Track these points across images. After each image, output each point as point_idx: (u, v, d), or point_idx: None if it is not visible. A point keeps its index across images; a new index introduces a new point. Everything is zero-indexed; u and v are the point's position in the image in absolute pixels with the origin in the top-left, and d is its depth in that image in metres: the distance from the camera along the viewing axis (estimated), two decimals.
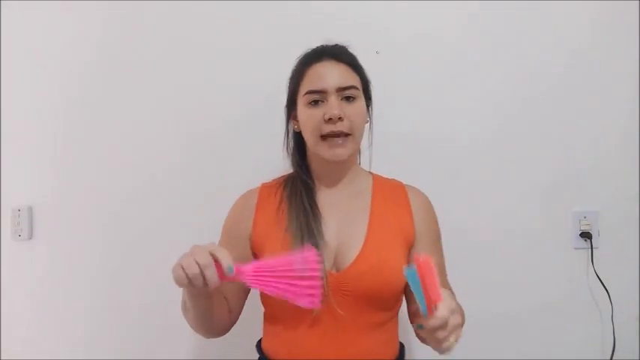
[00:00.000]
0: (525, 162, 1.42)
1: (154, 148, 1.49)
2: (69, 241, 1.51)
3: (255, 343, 1.10)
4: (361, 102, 1.05)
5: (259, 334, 1.10)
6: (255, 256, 1.05)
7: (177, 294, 1.50)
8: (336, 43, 1.08)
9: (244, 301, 1.10)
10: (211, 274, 0.83)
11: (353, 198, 1.07)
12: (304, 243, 0.97)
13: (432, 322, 0.77)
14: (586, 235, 1.39)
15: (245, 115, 1.46)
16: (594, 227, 1.40)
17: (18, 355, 1.51)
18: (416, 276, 0.77)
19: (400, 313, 1.07)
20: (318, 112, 1.01)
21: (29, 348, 1.51)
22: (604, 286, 1.37)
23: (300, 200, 1.04)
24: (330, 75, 1.02)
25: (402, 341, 1.09)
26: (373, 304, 0.99)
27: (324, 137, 1.01)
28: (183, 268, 0.84)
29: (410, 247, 1.05)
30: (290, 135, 1.12)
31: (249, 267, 0.86)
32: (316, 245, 0.97)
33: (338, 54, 1.05)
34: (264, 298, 1.06)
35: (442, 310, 0.77)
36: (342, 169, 1.08)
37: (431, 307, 0.77)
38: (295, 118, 1.08)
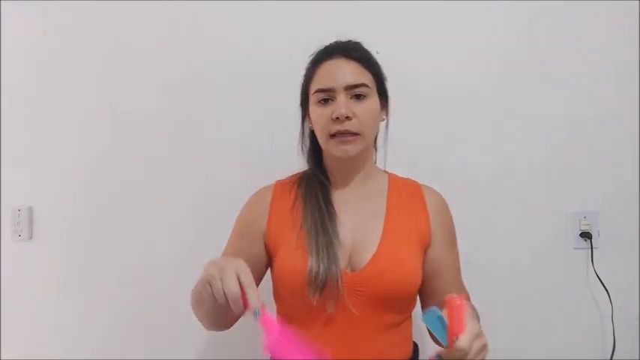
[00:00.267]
0: (525, 162, 1.42)
1: (155, 147, 1.49)
2: (69, 241, 1.51)
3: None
4: (372, 100, 1.02)
5: None
6: (269, 254, 1.04)
7: (178, 295, 1.50)
8: (349, 39, 1.06)
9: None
10: (237, 308, 0.78)
11: (368, 197, 1.06)
12: (319, 242, 0.96)
13: (451, 354, 0.75)
14: (586, 235, 1.39)
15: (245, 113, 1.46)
16: (594, 227, 1.40)
17: (18, 355, 1.50)
18: (437, 320, 0.76)
19: (414, 313, 1.07)
20: (327, 111, 1.00)
21: (29, 348, 1.50)
22: (604, 286, 1.37)
23: (315, 199, 1.03)
24: (339, 73, 1.00)
25: (416, 341, 1.09)
26: (388, 304, 0.98)
27: (333, 136, 1.00)
28: (210, 287, 0.79)
29: (425, 248, 1.04)
30: (305, 134, 1.11)
31: (275, 322, 0.79)
32: (331, 244, 0.96)
33: (349, 51, 1.03)
34: (277, 295, 1.05)
35: (463, 342, 0.74)
36: (356, 167, 1.06)
37: (452, 340, 0.75)
38: (310, 116, 1.07)
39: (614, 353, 1.36)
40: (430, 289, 1.05)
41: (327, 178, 1.08)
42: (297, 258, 0.97)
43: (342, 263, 0.97)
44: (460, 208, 1.42)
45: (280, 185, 1.10)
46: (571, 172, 1.41)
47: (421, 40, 1.43)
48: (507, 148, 1.42)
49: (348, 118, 0.98)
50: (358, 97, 1.01)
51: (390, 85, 1.10)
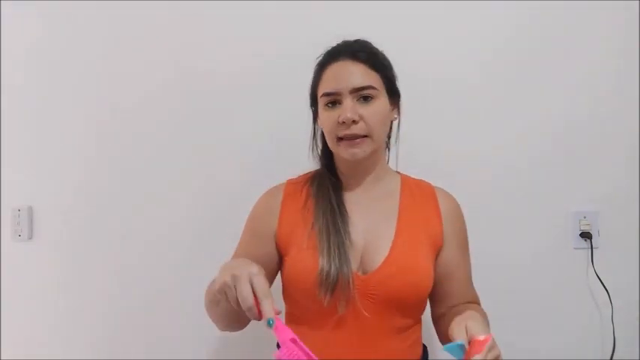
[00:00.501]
0: (525, 162, 1.42)
1: (155, 147, 1.49)
2: (69, 241, 1.51)
3: (275, 343, 1.09)
4: (380, 101, 1.00)
5: None
6: (280, 254, 1.04)
7: (178, 295, 1.51)
8: (358, 38, 1.05)
9: None
10: (253, 316, 0.78)
11: (381, 199, 1.05)
12: (331, 241, 0.95)
13: None
14: (586, 235, 1.39)
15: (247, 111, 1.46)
16: (594, 227, 1.40)
17: (18, 355, 1.51)
18: (460, 350, 0.77)
19: (423, 316, 1.07)
20: (334, 115, 0.99)
21: (29, 348, 1.50)
22: (604, 286, 1.37)
23: (327, 198, 1.02)
24: (344, 76, 0.99)
25: (425, 343, 1.09)
26: (399, 307, 0.97)
27: (340, 139, 0.99)
28: (225, 294, 0.79)
29: (437, 251, 1.04)
30: (317, 135, 1.10)
31: (289, 332, 0.77)
32: (342, 244, 0.96)
33: (356, 52, 1.01)
34: (288, 297, 1.04)
35: (478, 355, 0.75)
36: (367, 168, 1.05)
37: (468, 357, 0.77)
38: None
39: (614, 353, 1.36)
40: (441, 292, 1.05)
41: (338, 179, 1.07)
42: (309, 258, 0.96)
43: (354, 265, 0.97)
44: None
45: (291, 184, 1.09)
46: (571, 172, 1.41)
47: (421, 41, 1.43)
48: (507, 148, 1.42)
49: (354, 121, 0.97)
50: (365, 99, 0.99)
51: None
